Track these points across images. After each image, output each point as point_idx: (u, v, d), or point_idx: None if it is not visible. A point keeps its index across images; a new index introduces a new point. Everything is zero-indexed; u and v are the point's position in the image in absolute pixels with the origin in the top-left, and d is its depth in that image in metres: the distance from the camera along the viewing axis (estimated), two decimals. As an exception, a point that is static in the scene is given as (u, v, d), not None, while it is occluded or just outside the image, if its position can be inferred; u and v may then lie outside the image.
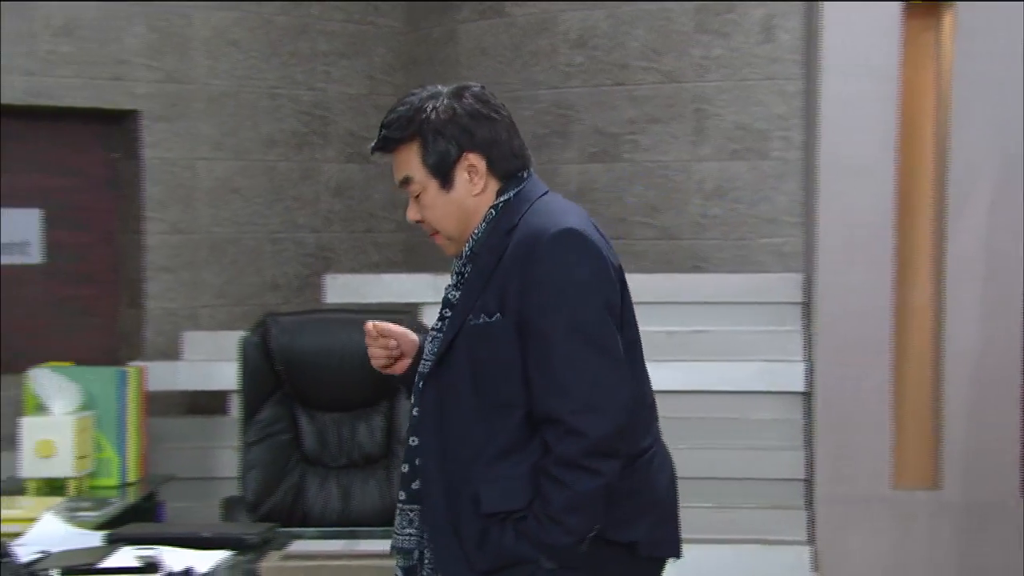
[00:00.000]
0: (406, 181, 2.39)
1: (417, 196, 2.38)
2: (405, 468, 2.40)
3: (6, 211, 5.40)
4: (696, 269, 5.42)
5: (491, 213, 2.38)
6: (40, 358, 4.69)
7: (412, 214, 2.41)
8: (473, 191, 2.38)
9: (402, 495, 2.41)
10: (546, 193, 2.43)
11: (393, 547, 2.42)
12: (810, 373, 4.86)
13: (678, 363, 4.92)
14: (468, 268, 2.38)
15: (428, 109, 2.35)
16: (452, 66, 5.94)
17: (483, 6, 5.82)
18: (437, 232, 2.41)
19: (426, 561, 2.39)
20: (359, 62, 6.00)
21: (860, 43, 4.73)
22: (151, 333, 5.46)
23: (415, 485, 2.38)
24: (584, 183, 5.63)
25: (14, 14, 5.13)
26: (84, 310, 5.56)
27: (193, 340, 5.18)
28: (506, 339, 2.29)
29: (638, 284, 5.05)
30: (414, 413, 2.40)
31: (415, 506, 2.39)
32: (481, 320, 2.31)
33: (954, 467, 4.71)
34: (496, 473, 2.29)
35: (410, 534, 2.40)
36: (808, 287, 4.97)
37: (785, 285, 5.03)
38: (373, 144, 2.41)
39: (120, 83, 5.35)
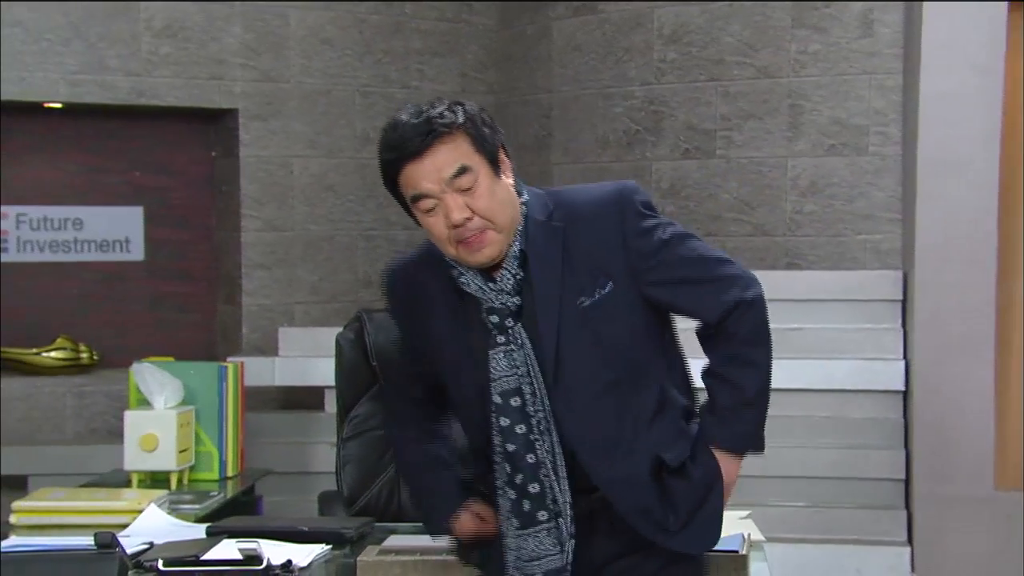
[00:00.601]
0: (463, 171, 2.26)
1: (467, 189, 2.27)
2: (535, 488, 2.34)
3: (109, 209, 5.52)
4: (791, 266, 5.36)
5: (523, 208, 2.35)
6: (140, 353, 4.78)
7: (462, 212, 2.26)
8: (510, 182, 2.36)
9: (543, 515, 2.35)
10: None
11: (546, 571, 2.35)
12: (908, 371, 4.78)
13: (774, 361, 4.86)
14: (519, 269, 2.32)
15: (463, 103, 2.33)
16: (544, 63, 5.94)
17: (577, 3, 5.81)
18: (487, 229, 2.28)
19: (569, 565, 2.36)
20: (452, 60, 6.03)
21: (962, 37, 4.65)
22: (247, 329, 5.54)
23: (556, 499, 2.34)
24: (677, 180, 5.60)
25: (117, 16, 5.24)
26: (183, 306, 5.66)
27: (289, 336, 5.24)
28: (629, 304, 2.32)
29: (733, 281, 5.05)
30: (519, 430, 2.33)
31: (551, 525, 2.35)
32: (596, 296, 2.31)
33: (1058, 469, 4.61)
34: (662, 434, 2.36)
35: (553, 554, 2.36)
36: (906, 284, 4.89)
37: (883, 282, 4.95)
38: (420, 142, 2.26)
39: (218, 82, 5.44)
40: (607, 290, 2.32)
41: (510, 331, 2.33)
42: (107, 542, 2.49)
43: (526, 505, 2.35)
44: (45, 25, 5.14)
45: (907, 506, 4.76)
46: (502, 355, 2.33)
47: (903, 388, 4.81)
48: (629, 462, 2.34)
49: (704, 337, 2.42)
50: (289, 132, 5.59)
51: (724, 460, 2.43)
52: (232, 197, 5.56)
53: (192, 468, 3.88)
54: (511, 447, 2.34)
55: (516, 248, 2.33)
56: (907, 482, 4.78)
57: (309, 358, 5.07)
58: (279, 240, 5.60)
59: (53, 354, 5.27)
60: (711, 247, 2.41)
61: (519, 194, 2.37)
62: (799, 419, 4.85)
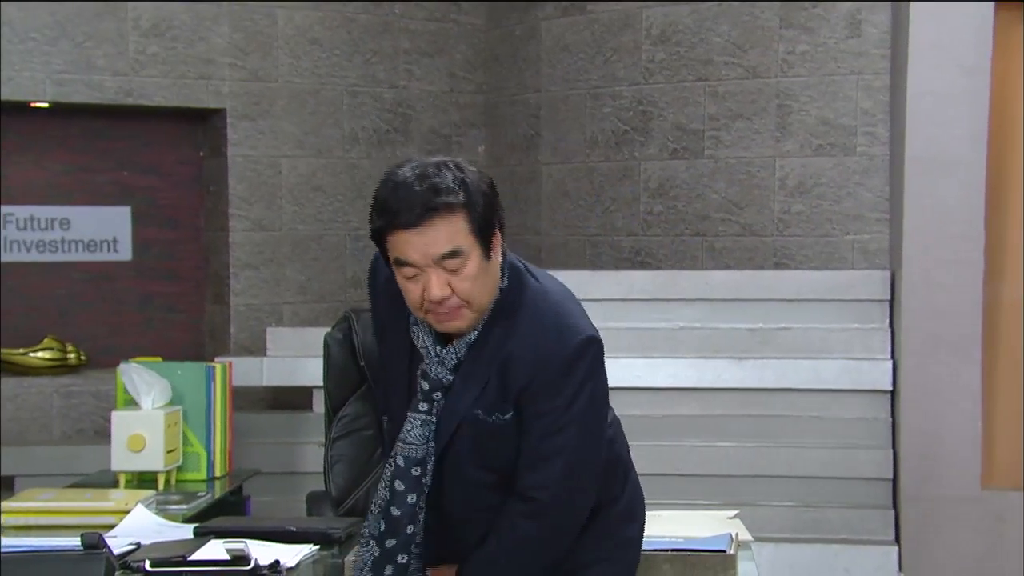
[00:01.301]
0: (454, 254, 2.23)
1: (454, 270, 2.24)
2: (403, 558, 2.39)
3: (97, 209, 5.50)
4: (779, 266, 5.37)
5: (497, 293, 2.33)
6: (128, 353, 4.78)
7: (443, 291, 2.23)
8: (498, 261, 2.33)
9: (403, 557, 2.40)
10: (526, 267, 2.41)
11: None
12: (896, 371, 4.80)
13: (761, 360, 4.88)
14: (457, 356, 2.32)
15: (467, 174, 2.27)
16: (533, 63, 5.94)
17: (565, 3, 5.81)
18: (463, 307, 2.27)
19: None
20: (440, 60, 6.02)
21: (949, 37, 4.66)
22: (235, 329, 5.53)
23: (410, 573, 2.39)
24: (665, 180, 5.61)
25: (104, 15, 5.23)
26: (171, 306, 5.65)
27: (277, 336, 5.23)
28: (516, 433, 2.34)
29: (720, 281, 5.10)
30: (409, 500, 2.36)
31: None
32: (494, 419, 2.33)
33: (1045, 468, 4.63)
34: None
35: None
36: (894, 284, 4.90)
37: (871, 282, 4.96)
38: (416, 215, 2.20)
39: (206, 82, 5.43)
40: (505, 419, 2.33)
41: (435, 403, 2.35)
42: (94, 543, 2.49)
43: (388, 570, 2.39)
44: (32, 24, 5.12)
45: (895, 505, 4.77)
46: (419, 423, 2.36)
47: (891, 388, 4.82)
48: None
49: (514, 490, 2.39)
50: (277, 132, 5.59)
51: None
52: (220, 197, 5.55)
53: (180, 468, 3.87)
54: (396, 512, 2.38)
55: (473, 335, 2.33)
56: (895, 481, 4.79)
57: (297, 358, 5.07)
58: (267, 240, 5.60)
59: (40, 354, 5.25)
60: (590, 445, 2.38)
61: (501, 275, 2.35)
62: (787, 419, 4.87)
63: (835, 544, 4.69)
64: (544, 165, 5.96)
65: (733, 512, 3.26)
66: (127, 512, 3.21)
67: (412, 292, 2.28)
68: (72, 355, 5.32)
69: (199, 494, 3.67)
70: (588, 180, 5.81)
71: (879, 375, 4.83)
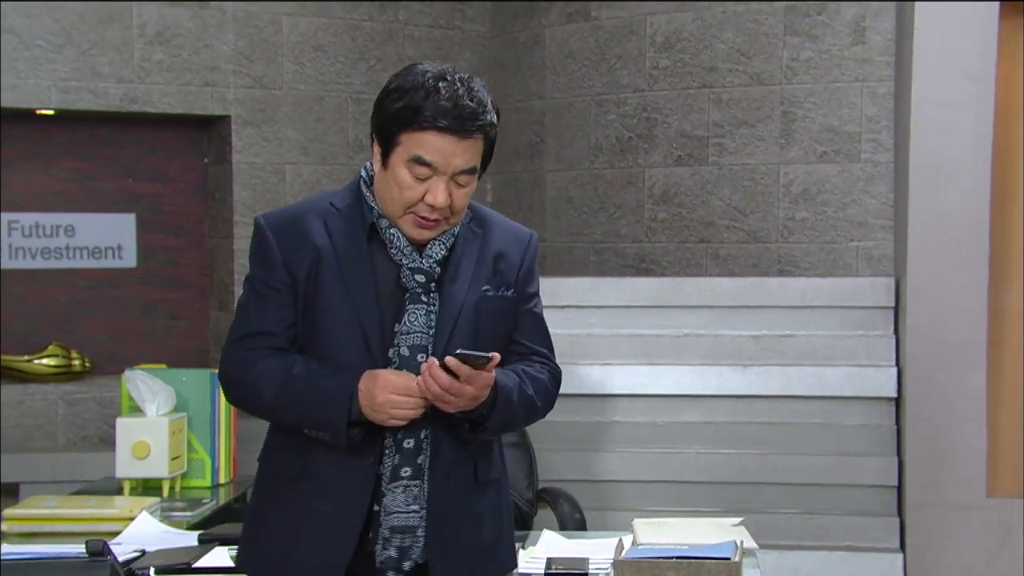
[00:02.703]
0: (470, 171, 2.35)
1: (462, 185, 2.35)
2: (410, 443, 2.38)
3: (102, 216, 5.51)
4: (783, 273, 5.37)
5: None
6: (132, 360, 4.78)
7: (445, 201, 2.32)
8: None
9: (407, 471, 2.38)
10: None
11: (391, 528, 2.38)
12: (901, 378, 4.79)
13: (766, 367, 4.88)
14: (447, 248, 2.40)
15: (493, 101, 2.39)
16: (538, 70, 5.95)
17: (570, 10, 5.81)
18: (446, 218, 2.36)
19: (422, 538, 2.39)
20: (445, 67, 6.02)
21: (954, 43, 4.66)
22: (240, 336, 5.52)
23: (421, 459, 2.38)
24: (669, 187, 5.61)
25: (109, 23, 5.24)
26: (175, 313, 5.65)
27: (281, 343, 5.22)
28: (511, 313, 2.47)
29: (725, 288, 5.10)
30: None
31: (418, 481, 2.38)
32: (500, 292, 2.44)
33: (1051, 475, 4.62)
34: (490, 445, 2.50)
35: (415, 511, 2.39)
36: (899, 291, 4.89)
37: (875, 289, 4.96)
38: (462, 125, 2.30)
39: (211, 89, 5.43)
40: (509, 294, 2.46)
41: (432, 294, 2.38)
42: (98, 550, 2.49)
43: (396, 459, 2.38)
44: (37, 31, 5.13)
45: (899, 513, 4.76)
46: (422, 312, 2.38)
47: (895, 395, 4.82)
48: (454, 460, 2.44)
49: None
50: (282, 139, 5.59)
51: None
52: (225, 204, 5.56)
53: (184, 475, 3.87)
54: None
55: (455, 229, 2.42)
56: (899, 489, 4.78)
57: (302, 365, 5.06)
58: (272, 247, 5.59)
59: (45, 361, 5.25)
60: None
61: None
62: (792, 426, 4.86)
63: (840, 552, 4.68)
64: (548, 172, 5.96)
65: (738, 519, 3.26)
66: (131, 519, 3.21)
67: (410, 191, 2.33)
68: (76, 362, 5.32)
69: (203, 501, 3.68)
70: (592, 187, 5.81)
71: (884, 382, 4.82)
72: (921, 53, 4.70)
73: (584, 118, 5.80)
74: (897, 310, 4.91)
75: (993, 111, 4.66)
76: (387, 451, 2.38)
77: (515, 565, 2.59)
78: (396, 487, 2.38)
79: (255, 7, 5.51)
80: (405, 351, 2.37)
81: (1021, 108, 4.79)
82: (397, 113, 2.32)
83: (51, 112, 5.29)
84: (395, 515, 2.38)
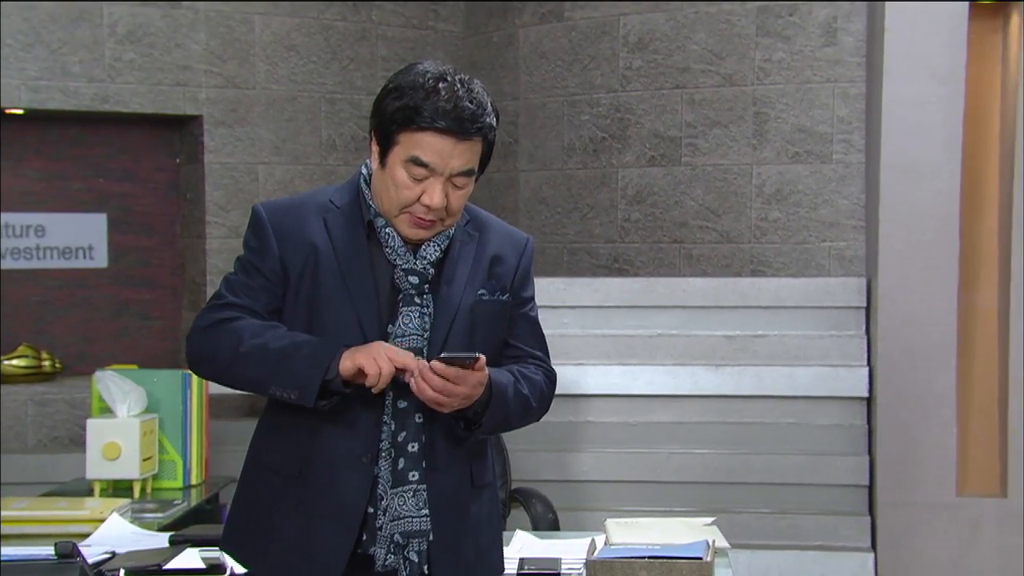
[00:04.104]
0: (468, 173, 2.33)
1: (460, 187, 2.33)
2: (414, 447, 2.35)
3: (73, 216, 5.48)
4: (756, 273, 5.39)
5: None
6: (104, 361, 4.76)
7: (442, 202, 2.30)
8: None
9: (415, 475, 2.35)
10: None
11: (403, 532, 2.35)
12: (872, 378, 4.81)
13: (739, 368, 4.90)
14: (442, 249, 2.38)
15: (493, 103, 2.37)
16: (511, 70, 5.95)
17: (543, 10, 5.82)
18: (442, 219, 2.34)
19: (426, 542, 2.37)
20: (418, 67, 6.01)
21: (924, 45, 4.69)
22: (212, 336, 5.50)
23: (425, 463, 2.36)
24: (642, 187, 5.62)
25: (80, 21, 5.21)
26: (147, 314, 5.62)
27: (254, 343, 5.21)
28: (506, 317, 2.46)
29: (698, 288, 5.11)
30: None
31: (424, 485, 2.36)
32: (496, 296, 2.43)
33: (1020, 473, 4.65)
34: (484, 449, 2.49)
35: (425, 515, 2.36)
36: (870, 291, 4.92)
37: (847, 289, 4.98)
38: (462, 127, 2.28)
39: (183, 89, 5.41)
40: (504, 298, 2.45)
41: (425, 296, 2.37)
42: (67, 552, 2.48)
43: (401, 463, 2.35)
44: (6, 30, 5.09)
45: (871, 512, 4.79)
46: (416, 314, 2.37)
47: (867, 394, 4.84)
48: (455, 463, 2.43)
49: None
50: (254, 139, 5.57)
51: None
52: (197, 204, 5.53)
53: (155, 476, 3.86)
54: (403, 404, 2.36)
55: (450, 231, 2.41)
56: (871, 488, 4.80)
57: (274, 365, 5.04)
58: (244, 247, 5.57)
59: (15, 362, 5.22)
60: None
61: None
62: (764, 425, 4.88)
63: (811, 551, 4.70)
64: (522, 172, 5.96)
65: (710, 519, 3.27)
66: (102, 521, 3.20)
67: (407, 191, 2.31)
68: (47, 363, 5.29)
69: (175, 502, 3.66)
70: (566, 187, 5.82)
71: (855, 382, 4.85)
72: (891, 55, 4.72)
73: (557, 118, 5.81)
74: (869, 310, 4.93)
75: (963, 112, 4.69)
76: (384, 454, 2.35)
77: (503, 568, 2.58)
78: (405, 491, 2.35)
79: (227, 7, 5.49)
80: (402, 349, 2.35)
81: (990, 109, 4.83)
82: (396, 113, 2.30)
83: (21, 111, 5.26)
84: (406, 520, 2.35)
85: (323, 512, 2.34)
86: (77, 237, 5.48)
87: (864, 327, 4.94)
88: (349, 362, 2.27)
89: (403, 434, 2.35)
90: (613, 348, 4.98)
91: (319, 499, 2.34)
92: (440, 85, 2.29)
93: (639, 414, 4.93)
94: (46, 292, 5.46)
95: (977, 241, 4.82)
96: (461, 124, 2.29)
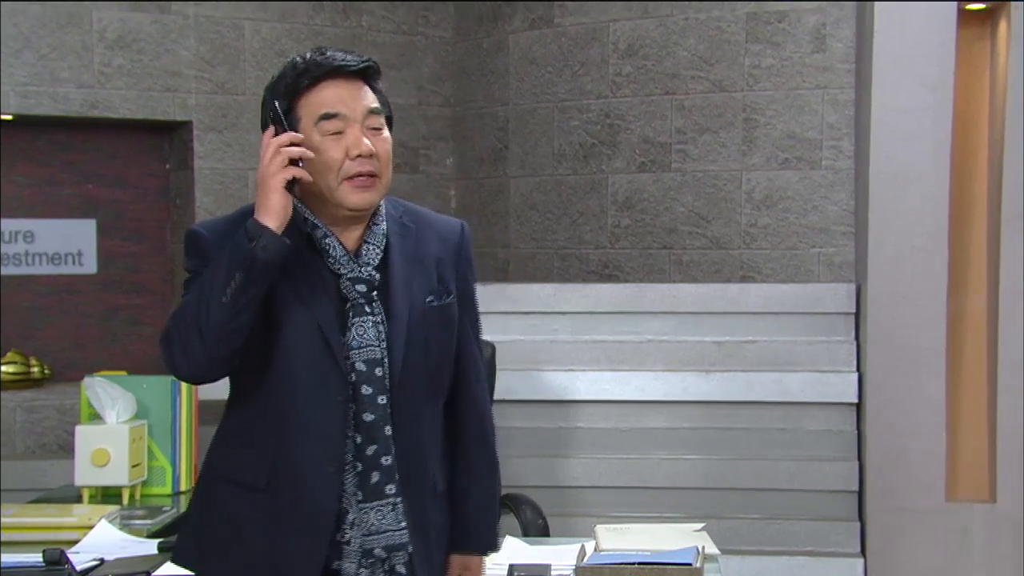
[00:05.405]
0: (378, 111, 2.33)
1: (376, 129, 2.32)
2: (387, 460, 2.32)
3: (62, 222, 5.47)
4: (745, 279, 5.40)
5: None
6: (93, 367, 4.75)
7: (367, 144, 2.29)
8: None
9: (391, 488, 2.32)
10: None
11: (385, 547, 2.33)
12: (861, 383, 4.82)
13: (728, 373, 4.90)
14: (381, 249, 2.35)
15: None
16: (501, 76, 5.95)
17: (533, 16, 5.82)
18: (377, 177, 2.31)
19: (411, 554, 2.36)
20: (408, 73, 6.02)
21: (913, 51, 4.70)
22: (202, 342, 5.49)
23: (398, 476, 2.33)
24: (632, 193, 5.62)
25: (69, 27, 5.20)
26: (136, 320, 5.62)
27: (244, 349, 5.20)
28: (455, 317, 2.42)
29: (687, 294, 5.12)
30: (380, 401, 2.31)
31: (400, 498, 2.34)
32: (444, 300, 2.39)
33: (1009, 479, 4.65)
34: (439, 455, 2.45)
35: (404, 527, 2.35)
36: (859, 297, 4.93)
37: (836, 295, 4.99)
38: (362, 63, 2.31)
39: (172, 94, 5.41)
40: (450, 300, 2.42)
41: (375, 303, 2.34)
42: (55, 559, 2.47)
43: (374, 477, 2.33)
44: (-4, 36, 5.09)
45: (860, 517, 4.79)
46: (370, 324, 2.32)
47: (856, 400, 4.85)
48: (427, 470, 2.41)
49: (453, 402, 2.49)
50: (244, 144, 5.57)
51: (474, 561, 2.54)
52: (187, 210, 5.53)
53: (144, 483, 3.84)
54: (369, 417, 2.32)
55: (383, 227, 2.37)
56: (860, 494, 4.81)
57: (264, 372, 5.03)
58: (234, 253, 5.56)
59: (4, 368, 5.20)
60: None
61: None
62: (753, 431, 4.88)
63: (801, 556, 4.70)
64: (512, 178, 5.96)
65: (700, 525, 3.27)
66: (90, 527, 3.18)
67: (333, 151, 2.29)
68: (36, 369, 5.28)
69: (164, 509, 3.65)
70: (556, 193, 5.82)
71: (845, 388, 4.85)
72: (880, 61, 4.73)
73: (548, 124, 5.82)
74: (858, 316, 4.94)
75: (951, 119, 4.71)
76: (348, 467, 2.31)
77: None
78: (383, 505, 2.33)
79: (217, 12, 5.48)
80: (362, 366, 2.32)
81: (979, 115, 4.84)
82: (284, 93, 2.32)
83: (10, 117, 5.25)
84: (388, 534, 2.34)
85: (294, 524, 2.30)
86: (66, 243, 5.47)
87: (854, 333, 4.95)
88: (263, 183, 2.25)
89: (373, 447, 2.32)
90: (603, 354, 4.98)
91: (290, 510, 2.30)
92: (298, 57, 2.35)
93: (629, 420, 4.94)
94: (35, 298, 5.45)
95: (966, 247, 4.83)
96: (344, 65, 2.30)
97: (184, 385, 3.99)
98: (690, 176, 5.51)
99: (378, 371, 2.32)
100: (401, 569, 2.36)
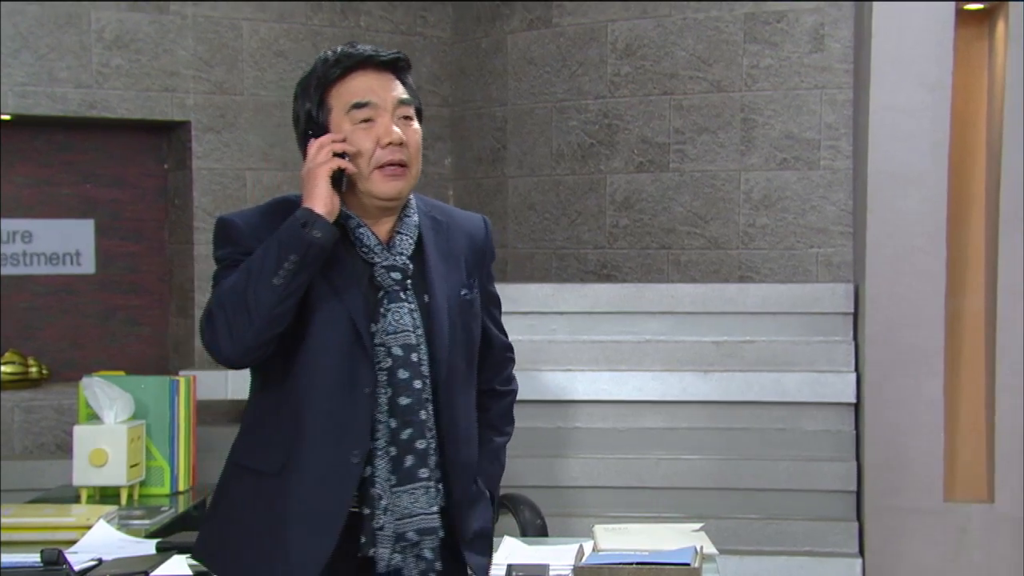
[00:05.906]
0: (408, 102, 2.37)
1: (406, 119, 2.36)
2: (421, 444, 2.34)
3: (60, 222, 5.47)
4: (744, 279, 5.40)
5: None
6: (91, 367, 4.75)
7: (398, 132, 2.33)
8: None
9: (424, 472, 2.33)
10: None
11: (417, 530, 2.34)
12: (859, 383, 4.82)
13: (727, 373, 4.90)
14: (414, 240, 2.38)
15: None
16: (499, 76, 5.95)
17: (531, 16, 5.83)
18: (408, 167, 2.34)
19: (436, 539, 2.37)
20: (406, 73, 6.01)
21: (911, 51, 4.70)
22: (200, 343, 5.49)
23: (432, 460, 2.35)
24: (631, 193, 5.62)
25: (67, 27, 5.20)
26: (134, 319, 5.62)
27: (242, 349, 5.20)
28: (479, 312, 2.47)
29: (686, 294, 5.12)
30: (416, 385, 2.33)
31: (433, 482, 2.35)
32: (474, 292, 2.45)
33: (1008, 479, 4.65)
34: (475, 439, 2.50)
35: (436, 512, 2.36)
36: (858, 297, 4.93)
37: (834, 295, 4.99)
38: (392, 54, 2.37)
39: (171, 94, 5.41)
40: (476, 294, 2.47)
41: (408, 291, 2.36)
42: (53, 559, 2.47)
43: (408, 461, 2.33)
44: (-6, 36, 5.09)
45: (858, 518, 4.80)
46: (406, 311, 2.35)
47: (854, 400, 4.85)
48: (468, 452, 2.45)
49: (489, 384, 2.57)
50: (242, 144, 5.57)
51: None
52: (185, 210, 5.53)
53: (142, 483, 3.85)
54: (404, 401, 2.34)
55: (415, 218, 2.41)
56: (858, 494, 4.81)
57: (262, 372, 5.03)
58: (232, 253, 5.56)
59: (2, 368, 5.20)
60: None
61: None
62: (751, 431, 4.88)
63: (799, 556, 4.71)
64: (510, 178, 5.96)
65: (698, 525, 3.27)
66: (88, 527, 3.19)
67: (364, 140, 2.32)
68: (34, 369, 5.27)
69: (162, 509, 3.65)
70: (554, 193, 5.82)
71: (843, 388, 4.85)
72: (879, 61, 4.73)
73: (546, 124, 5.82)
74: (856, 316, 4.94)
75: (949, 119, 4.71)
76: (380, 452, 2.32)
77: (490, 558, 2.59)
78: (415, 488, 2.33)
79: (215, 12, 5.48)
80: (398, 351, 2.33)
81: (977, 115, 4.84)
82: (313, 90, 2.35)
83: (8, 117, 5.25)
84: (420, 517, 2.34)
85: (299, 514, 2.30)
86: (65, 243, 5.47)
87: (852, 333, 4.95)
88: (308, 177, 2.28)
89: (408, 431, 2.33)
90: (601, 354, 4.98)
91: (297, 500, 2.30)
92: (329, 52, 2.38)
93: (627, 420, 4.94)
94: (34, 298, 5.45)
95: (964, 247, 4.83)
96: (374, 55, 2.36)
97: (182, 385, 3.99)
98: (688, 176, 5.51)
99: (414, 356, 2.34)
100: (428, 555, 2.36)
